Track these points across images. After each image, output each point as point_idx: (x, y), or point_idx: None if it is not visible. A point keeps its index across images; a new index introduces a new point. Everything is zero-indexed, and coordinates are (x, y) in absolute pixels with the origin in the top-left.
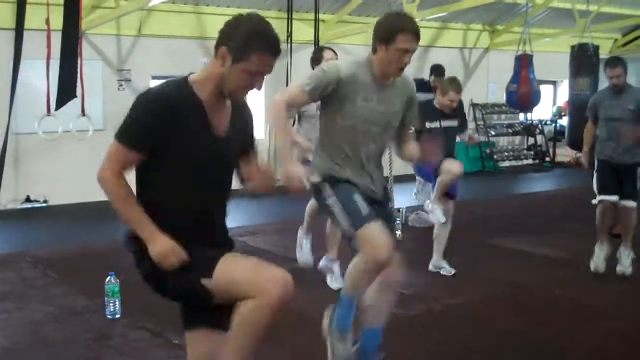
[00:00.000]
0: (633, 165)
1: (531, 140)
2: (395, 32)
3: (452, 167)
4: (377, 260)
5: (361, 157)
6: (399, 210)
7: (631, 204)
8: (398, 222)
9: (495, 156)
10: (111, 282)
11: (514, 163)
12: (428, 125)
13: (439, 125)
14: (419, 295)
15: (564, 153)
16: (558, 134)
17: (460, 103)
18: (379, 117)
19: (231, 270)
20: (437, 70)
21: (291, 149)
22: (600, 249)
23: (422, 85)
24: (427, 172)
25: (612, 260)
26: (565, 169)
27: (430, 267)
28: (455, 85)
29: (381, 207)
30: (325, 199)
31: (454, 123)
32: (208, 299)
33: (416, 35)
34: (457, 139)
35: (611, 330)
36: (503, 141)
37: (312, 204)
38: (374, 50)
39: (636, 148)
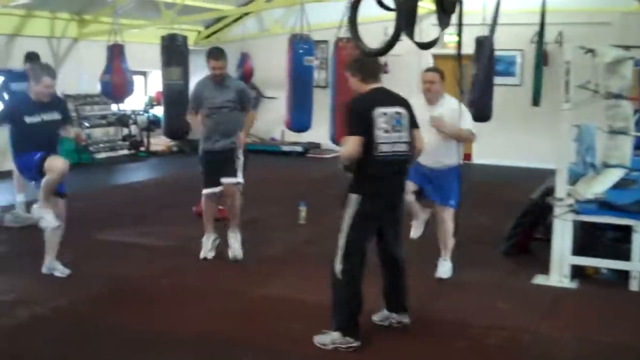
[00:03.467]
0: (230, 150)
1: (125, 131)
2: None
3: (57, 164)
4: None
5: None
6: None
7: (230, 180)
8: None
9: (91, 148)
10: None
11: (110, 154)
12: (29, 120)
13: (40, 119)
14: (21, 300)
15: (158, 142)
16: (151, 124)
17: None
18: None
19: None
20: (33, 57)
21: None
22: (208, 237)
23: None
24: (29, 171)
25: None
26: (160, 158)
27: (44, 270)
28: (50, 70)
29: None
30: None
31: (55, 116)
32: None
33: None
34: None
35: (217, 312)
36: (98, 132)
37: None
38: None
39: (229, 137)
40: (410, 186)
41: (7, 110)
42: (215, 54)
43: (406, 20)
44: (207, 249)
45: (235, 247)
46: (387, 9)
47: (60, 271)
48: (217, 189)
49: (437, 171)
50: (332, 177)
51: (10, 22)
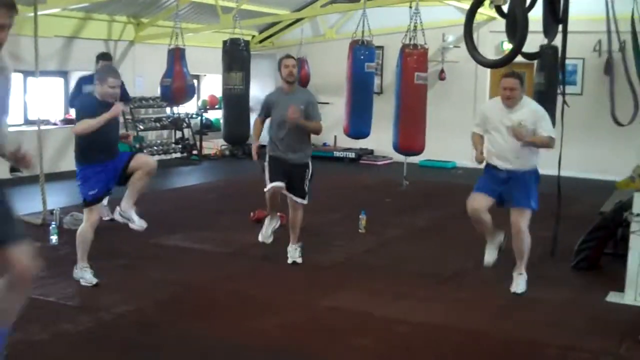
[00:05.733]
0: (302, 166)
1: (179, 134)
2: None
3: (148, 161)
4: None
5: None
6: (52, 212)
7: (298, 199)
8: (53, 225)
9: (145, 151)
10: None
11: (163, 157)
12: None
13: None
14: (85, 306)
15: (210, 146)
16: (204, 128)
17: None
18: None
19: None
20: (105, 57)
21: None
22: (270, 222)
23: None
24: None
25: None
26: (212, 162)
27: (116, 215)
28: (114, 72)
29: None
30: None
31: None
32: None
33: (8, 7)
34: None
35: (282, 323)
36: (152, 135)
37: None
38: None
39: (302, 148)
40: (484, 201)
41: (77, 116)
42: (288, 55)
43: (521, 29)
44: (267, 235)
45: (295, 255)
46: (504, 16)
47: (137, 224)
48: (282, 184)
49: (515, 173)
50: (387, 185)
51: (69, 25)
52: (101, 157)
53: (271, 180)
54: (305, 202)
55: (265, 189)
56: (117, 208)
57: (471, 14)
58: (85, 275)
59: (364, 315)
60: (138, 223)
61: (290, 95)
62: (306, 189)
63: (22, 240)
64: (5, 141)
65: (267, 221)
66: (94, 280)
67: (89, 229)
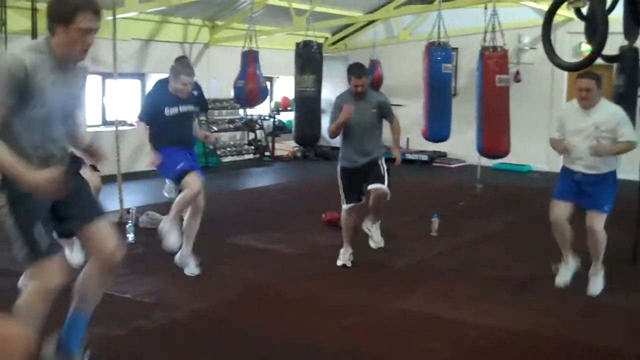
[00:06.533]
0: (375, 159)
1: (251, 135)
2: (73, 11)
3: (195, 183)
4: (47, 291)
5: (49, 145)
6: (128, 211)
7: (379, 185)
8: (130, 224)
9: (218, 152)
10: None
11: (236, 158)
12: (167, 112)
13: (177, 111)
14: (161, 303)
15: (282, 147)
16: (276, 129)
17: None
18: (67, 101)
19: None
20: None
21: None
22: (346, 249)
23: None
24: (169, 171)
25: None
26: (284, 163)
27: (176, 260)
28: (188, 69)
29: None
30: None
31: (190, 108)
32: None
33: (96, 12)
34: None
35: (352, 324)
36: (225, 136)
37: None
38: (52, 34)
39: (375, 148)
40: (565, 209)
41: (147, 105)
42: (357, 71)
43: (601, 33)
44: (346, 259)
45: (378, 239)
46: (584, 19)
47: (191, 270)
48: (358, 204)
49: (592, 177)
50: (460, 188)
51: (146, 28)
52: (175, 143)
53: (347, 200)
54: (384, 186)
55: (343, 206)
56: (179, 252)
57: (549, 16)
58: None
59: (435, 318)
60: (192, 270)
61: (360, 97)
62: (384, 174)
63: (104, 218)
64: (81, 134)
65: (344, 247)
66: (196, 271)
67: (191, 195)
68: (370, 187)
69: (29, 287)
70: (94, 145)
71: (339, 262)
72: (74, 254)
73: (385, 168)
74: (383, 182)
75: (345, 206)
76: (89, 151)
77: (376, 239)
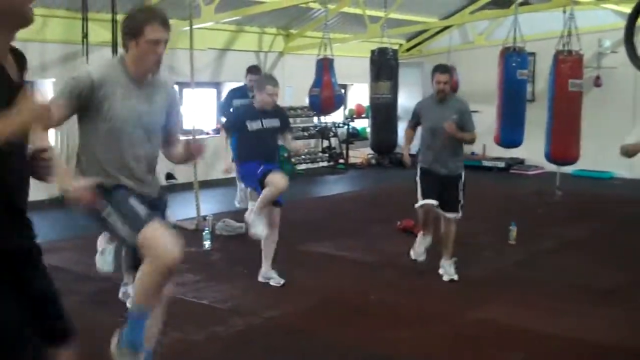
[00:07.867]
0: (455, 177)
1: (326, 143)
2: (141, 24)
3: (278, 180)
4: (165, 261)
5: (128, 161)
6: (205, 218)
7: (453, 215)
8: (207, 231)
9: (292, 159)
10: None
11: (310, 166)
12: (250, 126)
13: (261, 126)
14: (236, 309)
15: (357, 155)
16: (351, 137)
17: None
18: (142, 117)
19: None
20: (253, 70)
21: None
22: (423, 239)
23: (240, 92)
24: (251, 180)
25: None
26: (359, 171)
27: (260, 278)
28: (272, 79)
29: (157, 209)
30: (100, 211)
31: (275, 123)
32: None
33: (163, 23)
34: (279, 141)
35: (429, 334)
36: (299, 144)
37: None
38: (126, 49)
39: (454, 160)
40: None
41: (233, 119)
42: (442, 68)
43: None
44: (419, 252)
45: (451, 271)
46: None
47: (276, 280)
48: (435, 202)
49: None
50: (538, 195)
51: (222, 37)
52: (257, 158)
53: (424, 197)
54: (459, 215)
55: (416, 205)
56: (261, 272)
57: (632, 19)
58: (273, 275)
59: (513, 329)
60: (277, 280)
61: (442, 103)
62: (460, 200)
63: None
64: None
65: (419, 238)
66: (281, 281)
67: (276, 191)
68: (445, 215)
69: (142, 266)
70: (191, 142)
71: (412, 256)
72: (105, 263)
73: (463, 184)
74: (457, 211)
75: (420, 202)
76: (189, 148)
77: (449, 272)
